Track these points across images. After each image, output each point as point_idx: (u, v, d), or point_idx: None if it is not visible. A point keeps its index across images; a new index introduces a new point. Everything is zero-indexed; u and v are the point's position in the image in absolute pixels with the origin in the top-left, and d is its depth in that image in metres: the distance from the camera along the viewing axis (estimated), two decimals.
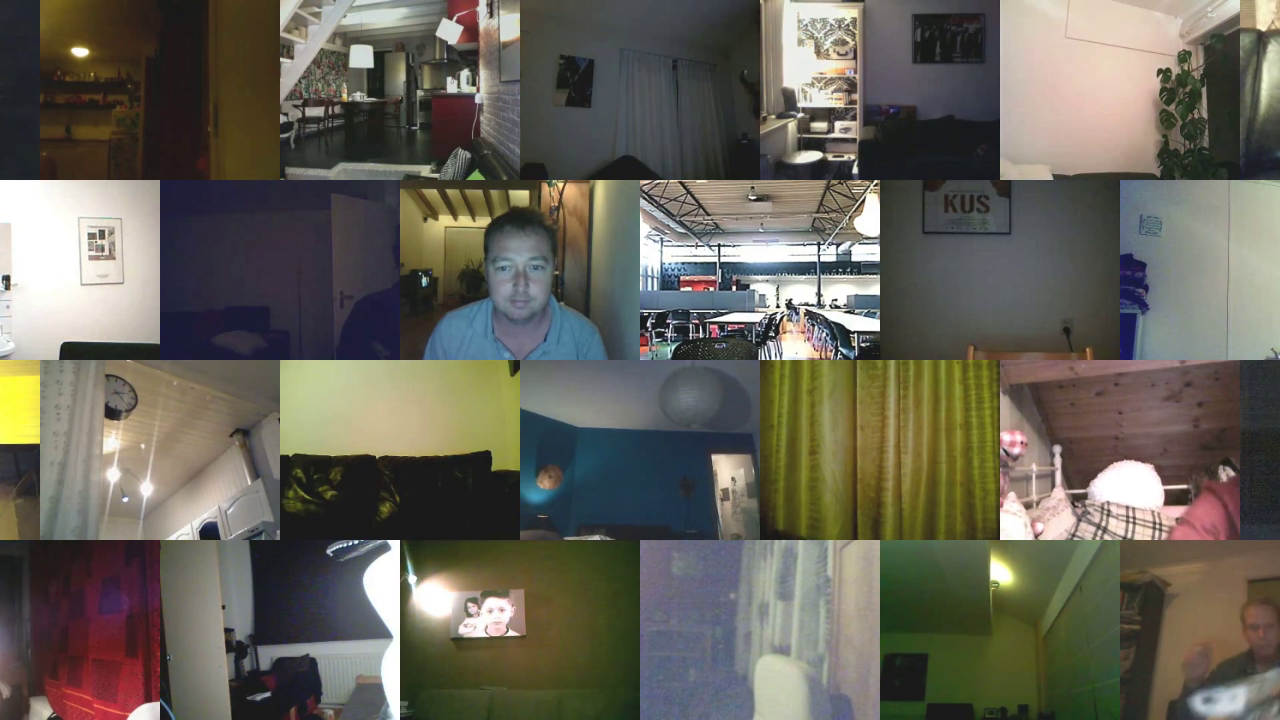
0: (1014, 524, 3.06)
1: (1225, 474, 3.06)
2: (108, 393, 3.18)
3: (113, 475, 3.25)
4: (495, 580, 3.31)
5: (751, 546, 3.11)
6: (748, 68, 4.01)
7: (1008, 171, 3.43)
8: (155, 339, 3.28)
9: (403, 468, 3.46)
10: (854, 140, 4.27)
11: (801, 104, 4.33)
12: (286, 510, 3.27)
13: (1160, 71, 3.75)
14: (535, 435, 3.44)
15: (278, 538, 3.35)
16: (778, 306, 4.70)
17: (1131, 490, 3.09)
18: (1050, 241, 3.60)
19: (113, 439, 3.26)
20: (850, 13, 4.32)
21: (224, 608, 3.28)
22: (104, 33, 3.74)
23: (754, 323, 4.42)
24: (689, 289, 4.77)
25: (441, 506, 3.42)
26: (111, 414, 3.24)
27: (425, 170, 4.05)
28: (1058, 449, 3.44)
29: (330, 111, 4.58)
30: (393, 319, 3.34)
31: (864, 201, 3.83)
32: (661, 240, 4.70)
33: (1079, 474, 3.45)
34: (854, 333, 3.93)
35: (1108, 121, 3.83)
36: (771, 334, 4.48)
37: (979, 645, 3.11)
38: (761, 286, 4.70)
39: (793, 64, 4.30)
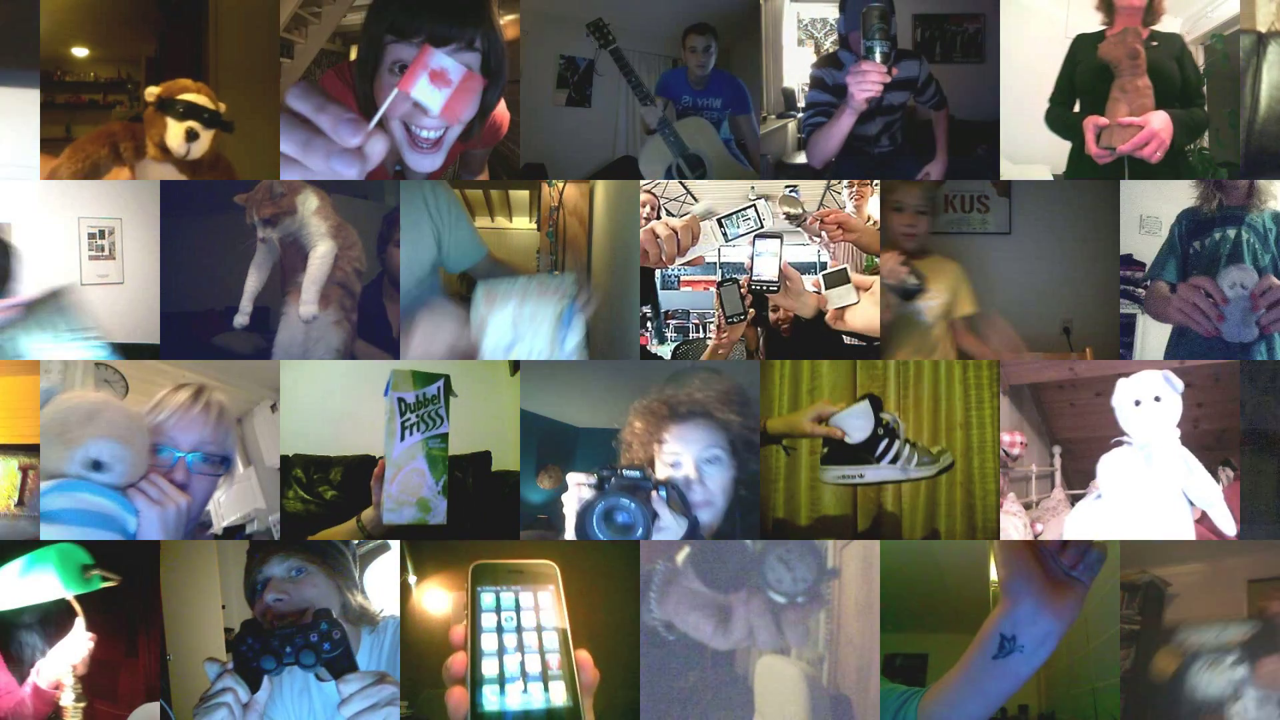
0: (1014, 524, 3.06)
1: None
2: (98, 380, 3.18)
3: None
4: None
5: (751, 546, 3.10)
6: (748, 67, 4.00)
7: (1008, 171, 3.43)
8: (155, 339, 3.27)
9: None
10: None
11: (801, 104, 4.32)
12: (286, 510, 3.27)
13: None
14: (535, 435, 3.43)
15: (270, 524, 3.34)
16: None
17: None
18: (1050, 241, 3.59)
19: None
20: None
21: (224, 608, 3.28)
22: (104, 33, 3.74)
23: None
24: (689, 289, 4.76)
25: None
26: None
27: None
28: (1058, 449, 3.44)
29: None
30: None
31: None
32: None
33: (1079, 474, 3.45)
34: None
35: None
36: None
37: None
38: None
39: (793, 64, 4.29)
